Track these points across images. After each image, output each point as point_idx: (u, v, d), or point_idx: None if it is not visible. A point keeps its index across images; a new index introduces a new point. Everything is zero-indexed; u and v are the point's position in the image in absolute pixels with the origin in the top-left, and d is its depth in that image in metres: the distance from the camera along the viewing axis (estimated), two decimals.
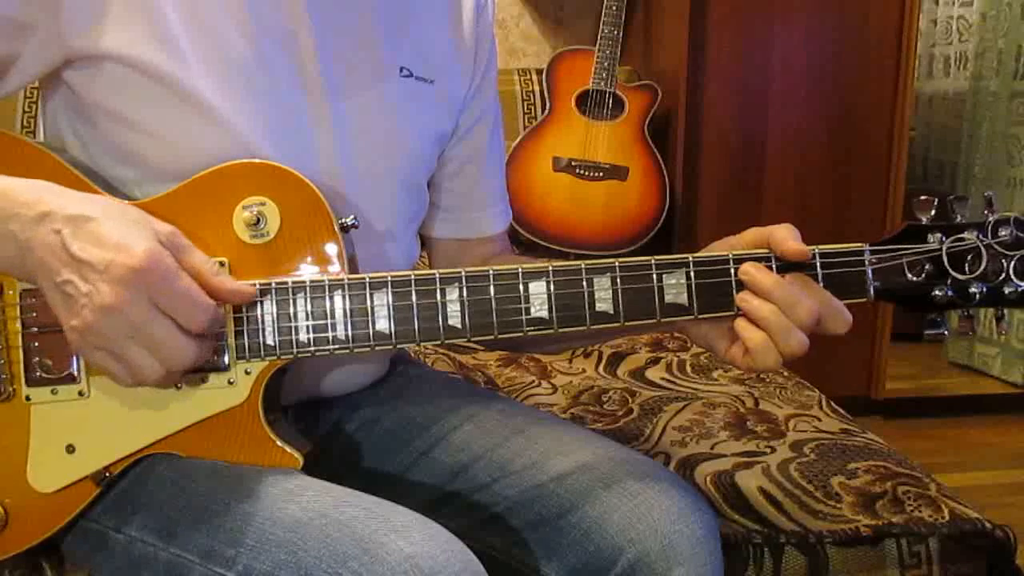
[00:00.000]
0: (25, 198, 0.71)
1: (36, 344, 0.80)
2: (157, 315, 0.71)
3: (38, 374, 0.80)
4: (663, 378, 1.53)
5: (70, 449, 0.81)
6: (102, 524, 0.83)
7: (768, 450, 1.23)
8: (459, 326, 0.80)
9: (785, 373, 1.54)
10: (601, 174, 2.28)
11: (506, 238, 1.11)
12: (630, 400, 1.42)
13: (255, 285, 0.79)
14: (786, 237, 0.79)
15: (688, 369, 1.58)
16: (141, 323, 0.70)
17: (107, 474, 0.81)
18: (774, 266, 0.79)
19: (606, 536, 0.82)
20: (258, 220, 0.80)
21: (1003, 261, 0.79)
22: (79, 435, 0.81)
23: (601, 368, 1.59)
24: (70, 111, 0.86)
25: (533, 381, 1.52)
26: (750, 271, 0.79)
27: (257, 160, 0.81)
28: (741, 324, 0.79)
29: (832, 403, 1.42)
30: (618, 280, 0.80)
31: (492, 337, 0.80)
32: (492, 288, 0.80)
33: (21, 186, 0.72)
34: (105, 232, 0.70)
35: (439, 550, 0.71)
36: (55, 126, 0.88)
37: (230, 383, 0.80)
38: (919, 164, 3.57)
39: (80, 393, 0.80)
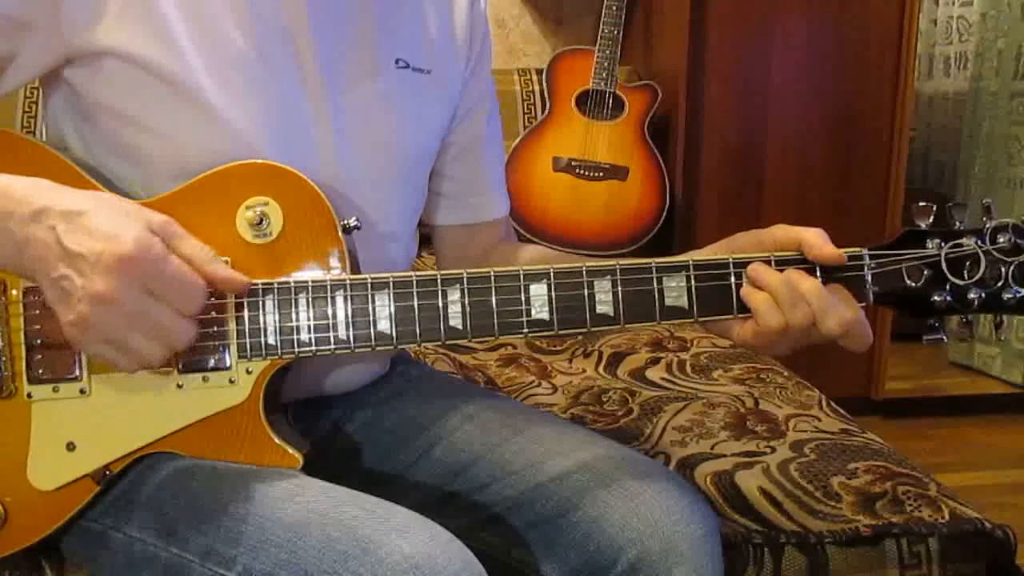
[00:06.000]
0: (21, 195, 0.72)
1: (38, 342, 0.80)
2: (152, 301, 0.72)
3: (40, 372, 0.80)
4: (663, 378, 1.53)
5: (70, 447, 0.81)
6: (102, 523, 0.83)
7: (768, 450, 1.23)
8: (460, 327, 0.80)
9: (785, 373, 1.54)
10: (601, 174, 2.28)
11: (509, 224, 1.12)
12: (630, 400, 1.41)
13: (254, 284, 0.79)
14: (822, 244, 0.79)
15: (688, 369, 1.58)
16: (137, 310, 0.71)
17: (107, 472, 0.81)
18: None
19: (606, 536, 0.82)
20: (261, 220, 0.80)
21: (1001, 267, 0.79)
22: (80, 433, 0.81)
23: (601, 368, 1.59)
24: (71, 110, 0.86)
25: (533, 381, 1.52)
26: (757, 268, 0.80)
27: (260, 161, 0.82)
28: (746, 288, 0.80)
29: (832, 403, 1.42)
30: (619, 283, 0.80)
31: (494, 337, 0.81)
32: (493, 290, 0.80)
33: (17, 184, 0.73)
34: (96, 224, 0.70)
35: (439, 550, 0.71)
36: (56, 125, 0.88)
37: (231, 382, 0.80)
38: (919, 164, 3.57)
39: (81, 391, 0.80)
